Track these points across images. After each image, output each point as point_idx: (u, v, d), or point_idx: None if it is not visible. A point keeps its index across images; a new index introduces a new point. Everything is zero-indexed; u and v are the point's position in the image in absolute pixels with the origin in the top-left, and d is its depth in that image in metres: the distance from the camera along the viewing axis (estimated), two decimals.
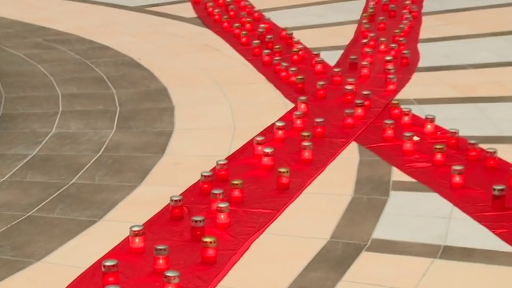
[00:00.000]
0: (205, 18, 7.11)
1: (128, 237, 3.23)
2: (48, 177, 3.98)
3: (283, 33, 6.33)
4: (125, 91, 5.25)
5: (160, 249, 3.04)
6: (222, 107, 4.98)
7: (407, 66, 5.61)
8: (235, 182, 3.65)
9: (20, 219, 3.54)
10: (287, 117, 4.64)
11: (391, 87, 5.12)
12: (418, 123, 4.50)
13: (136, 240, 3.19)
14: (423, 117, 4.51)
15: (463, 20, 7.02)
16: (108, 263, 2.93)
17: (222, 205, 3.41)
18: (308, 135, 4.22)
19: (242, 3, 7.50)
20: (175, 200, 3.49)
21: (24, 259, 3.18)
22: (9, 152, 4.31)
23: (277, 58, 5.65)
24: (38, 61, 5.90)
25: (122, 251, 3.20)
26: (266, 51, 5.84)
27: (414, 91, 5.15)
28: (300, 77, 5.20)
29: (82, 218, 3.55)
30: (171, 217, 3.48)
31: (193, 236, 3.28)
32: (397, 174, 3.95)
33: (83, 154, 4.26)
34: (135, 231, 3.20)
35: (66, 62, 5.90)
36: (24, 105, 5.01)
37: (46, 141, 4.44)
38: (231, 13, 7.08)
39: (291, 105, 4.91)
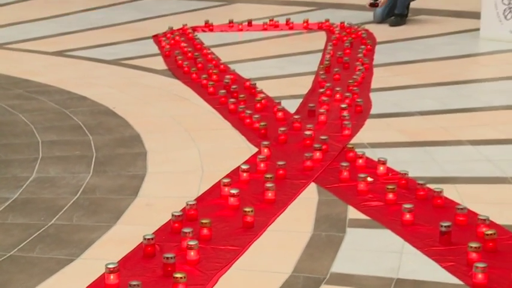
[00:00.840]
0: (175, 70, 7.13)
1: (103, 274, 3.19)
2: (29, 219, 3.93)
3: (247, 83, 6.36)
4: (101, 138, 5.22)
5: (134, 285, 3.01)
6: (191, 151, 4.96)
7: (361, 113, 5.65)
8: (204, 221, 3.64)
9: (1, 259, 3.48)
10: (251, 161, 4.64)
11: (346, 132, 5.15)
12: (371, 166, 4.52)
13: (112, 276, 3.15)
14: (376, 160, 4.54)
15: (410, 72, 7.11)
16: None
17: (191, 243, 3.39)
18: (271, 177, 4.22)
19: (209, 56, 7.54)
20: (148, 239, 3.47)
21: None
22: None
23: (241, 106, 5.67)
24: (20, 111, 5.85)
25: (97, 287, 3.15)
26: (231, 100, 5.85)
27: (367, 136, 5.18)
28: (262, 123, 5.21)
29: (60, 256, 3.50)
30: (144, 254, 3.45)
31: (165, 272, 3.25)
32: (353, 213, 3.96)
33: (61, 197, 4.22)
34: (110, 268, 3.17)
35: (46, 111, 5.86)
36: (6, 152, 4.96)
37: (27, 185, 4.39)
38: (199, 65, 7.10)
39: (255, 150, 4.91)
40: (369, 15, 9.64)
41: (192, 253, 3.37)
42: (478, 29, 8.57)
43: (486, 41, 8.28)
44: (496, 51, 7.88)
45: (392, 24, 9.26)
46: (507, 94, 6.28)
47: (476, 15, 8.91)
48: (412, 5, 9.58)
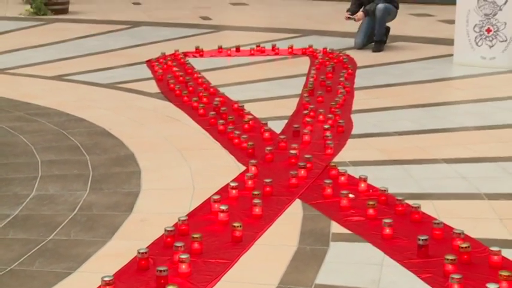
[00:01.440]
0: (168, 93, 7.13)
1: (99, 286, 3.18)
2: (29, 234, 3.90)
3: (236, 105, 6.37)
4: (98, 157, 5.21)
5: None
6: (182, 170, 4.96)
7: (343, 133, 5.67)
8: (195, 235, 3.63)
9: (2, 273, 3.45)
10: (240, 178, 4.64)
11: (329, 151, 5.16)
12: (352, 183, 4.53)
13: None
14: (357, 177, 4.55)
15: (388, 94, 7.15)
16: None
17: (183, 256, 3.38)
18: (258, 194, 4.22)
19: (200, 80, 7.54)
20: (142, 253, 3.45)
21: None
22: None
23: (230, 127, 5.67)
24: (20, 132, 5.82)
25: None
26: (221, 121, 5.86)
27: (349, 155, 5.19)
28: (250, 143, 5.22)
29: (59, 270, 3.48)
30: (138, 268, 3.43)
31: (158, 284, 3.24)
32: (336, 227, 3.96)
33: (59, 213, 4.20)
34: (106, 281, 3.16)
35: (46, 132, 5.84)
36: (7, 171, 4.93)
37: (27, 202, 4.37)
38: (190, 89, 7.11)
39: (243, 168, 4.91)
40: (350, 41, 9.69)
41: (183, 266, 3.36)
42: (451, 55, 8.63)
43: (459, 66, 8.34)
44: (468, 76, 7.93)
45: (375, 50, 9.31)
46: (479, 116, 6.32)
47: (449, 42, 8.98)
48: (391, 32, 9.64)
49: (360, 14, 9.41)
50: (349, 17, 9.54)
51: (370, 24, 9.42)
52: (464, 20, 8.39)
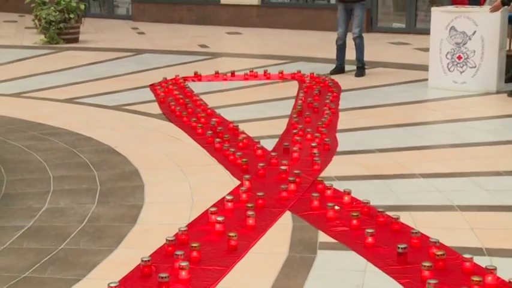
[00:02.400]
0: (169, 114, 7.13)
1: None
2: (41, 244, 3.88)
3: (231, 125, 6.37)
4: (105, 173, 5.18)
5: None
6: (182, 184, 4.94)
7: (329, 150, 5.67)
8: (194, 244, 3.61)
9: (16, 280, 3.43)
10: (235, 192, 4.63)
11: (316, 167, 5.16)
12: (338, 196, 4.52)
13: None
14: (342, 190, 4.54)
15: (370, 115, 7.16)
16: None
17: (183, 264, 3.36)
18: (252, 206, 4.20)
19: (198, 102, 7.55)
20: (145, 261, 3.43)
21: None
22: (9, 224, 4.20)
23: (226, 145, 5.66)
24: (34, 150, 5.80)
25: None
26: (217, 139, 5.85)
27: (334, 170, 5.19)
28: (244, 159, 5.21)
29: (69, 277, 3.46)
30: (141, 274, 3.41)
31: None
32: (323, 237, 3.95)
33: (69, 225, 4.17)
34: (112, 287, 3.14)
35: (57, 150, 5.82)
36: (22, 186, 4.91)
37: (40, 214, 4.34)
38: (189, 110, 7.11)
39: (238, 182, 4.89)
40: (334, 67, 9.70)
41: (183, 273, 3.34)
42: (426, 79, 8.66)
43: (433, 89, 8.37)
44: (441, 98, 7.96)
45: (357, 75, 9.33)
46: (452, 134, 6.33)
47: (424, 68, 9.01)
48: (372, 58, 9.65)
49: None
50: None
51: (348, 17, 9.30)
52: (438, 48, 8.44)
